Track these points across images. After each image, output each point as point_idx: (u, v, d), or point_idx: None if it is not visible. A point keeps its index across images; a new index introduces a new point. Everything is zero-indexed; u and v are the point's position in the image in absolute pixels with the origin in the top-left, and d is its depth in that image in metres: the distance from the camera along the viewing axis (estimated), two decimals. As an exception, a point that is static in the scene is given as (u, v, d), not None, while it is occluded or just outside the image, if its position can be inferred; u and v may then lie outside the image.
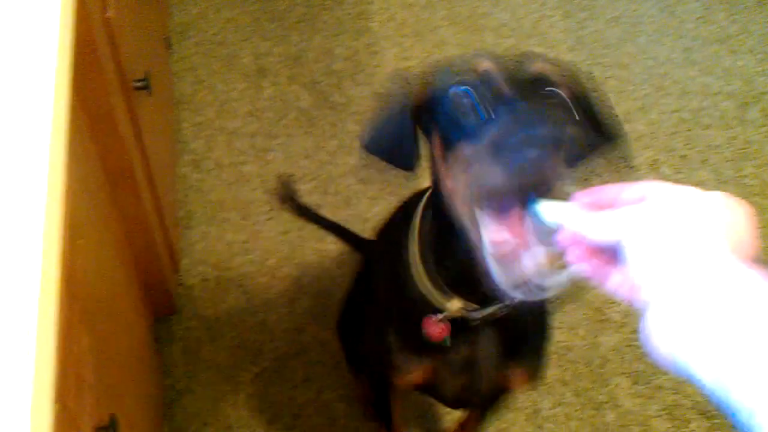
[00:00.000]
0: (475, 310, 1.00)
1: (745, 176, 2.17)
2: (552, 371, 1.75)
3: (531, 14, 2.55)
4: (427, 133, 0.89)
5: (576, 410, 1.70)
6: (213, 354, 1.73)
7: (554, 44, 2.46)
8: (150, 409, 1.45)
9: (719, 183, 2.14)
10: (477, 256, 0.78)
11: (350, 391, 1.69)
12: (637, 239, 0.59)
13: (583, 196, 0.67)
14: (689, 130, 2.27)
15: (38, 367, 0.62)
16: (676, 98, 2.35)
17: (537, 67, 0.81)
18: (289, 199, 1.96)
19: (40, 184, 0.70)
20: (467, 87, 0.79)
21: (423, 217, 1.03)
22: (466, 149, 0.78)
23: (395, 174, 0.94)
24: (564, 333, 1.81)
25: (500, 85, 0.77)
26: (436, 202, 0.94)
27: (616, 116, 0.91)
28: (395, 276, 1.08)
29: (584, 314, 1.85)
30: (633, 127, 2.26)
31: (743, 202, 0.61)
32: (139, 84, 1.34)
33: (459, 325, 1.03)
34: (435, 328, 1.03)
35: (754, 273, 0.53)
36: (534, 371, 1.18)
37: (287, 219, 1.96)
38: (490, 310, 1.00)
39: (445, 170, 0.84)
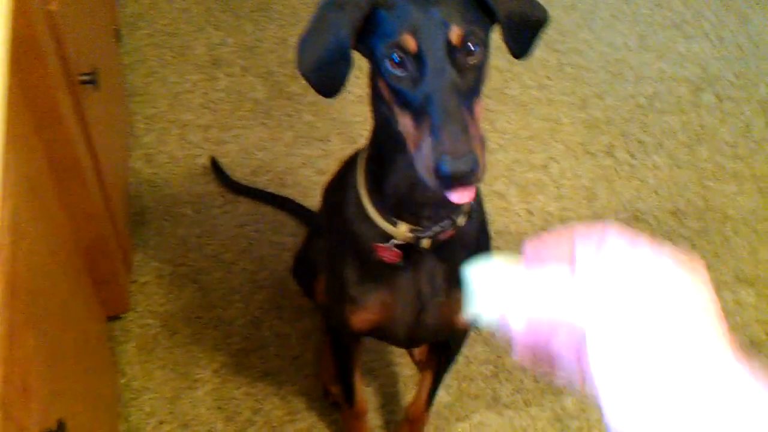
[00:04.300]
0: (421, 232, 1.07)
1: (700, 160, 2.19)
2: (510, 359, 1.75)
3: None
4: (368, 54, 0.93)
5: (535, 396, 1.71)
6: (169, 351, 1.70)
7: (510, 31, 2.45)
8: (104, 409, 1.43)
9: (675, 167, 2.16)
10: (414, 172, 0.88)
11: (310, 382, 1.67)
12: (602, 327, 0.54)
13: (531, 253, 0.63)
14: (645, 115, 2.29)
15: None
16: (632, 84, 2.36)
17: None
18: (222, 178, 1.97)
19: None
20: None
21: (366, 157, 1.10)
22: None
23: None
24: (523, 321, 1.82)
25: None
26: (375, 130, 1.04)
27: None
28: (346, 212, 1.14)
29: (543, 301, 1.85)
30: (589, 113, 2.27)
31: (698, 265, 0.56)
32: (85, 78, 1.31)
33: (407, 253, 1.10)
34: (387, 253, 1.10)
35: (746, 371, 0.50)
36: None
37: (243, 212, 1.93)
38: (435, 229, 1.06)
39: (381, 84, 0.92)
